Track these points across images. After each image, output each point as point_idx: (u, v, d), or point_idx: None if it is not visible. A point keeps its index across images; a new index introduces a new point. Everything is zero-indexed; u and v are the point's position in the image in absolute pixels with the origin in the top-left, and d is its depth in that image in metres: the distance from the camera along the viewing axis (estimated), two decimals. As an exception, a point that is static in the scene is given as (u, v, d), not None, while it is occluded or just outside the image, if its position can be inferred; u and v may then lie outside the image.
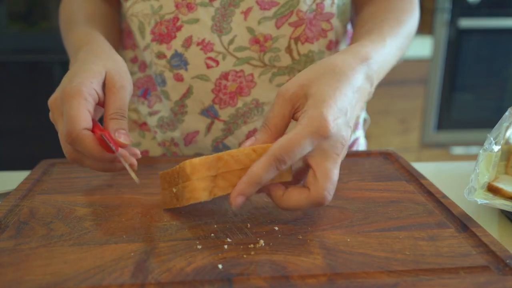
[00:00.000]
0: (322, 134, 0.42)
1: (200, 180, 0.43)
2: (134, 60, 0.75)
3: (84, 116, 0.47)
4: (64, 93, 0.48)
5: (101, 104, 0.52)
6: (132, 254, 0.41)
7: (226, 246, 0.42)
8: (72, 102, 0.47)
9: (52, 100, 0.51)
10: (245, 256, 0.41)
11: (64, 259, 0.40)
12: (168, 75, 0.67)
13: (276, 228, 0.45)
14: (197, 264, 0.39)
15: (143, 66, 0.73)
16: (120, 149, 0.49)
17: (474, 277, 0.38)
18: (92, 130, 0.48)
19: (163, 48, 0.66)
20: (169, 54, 0.66)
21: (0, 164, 1.91)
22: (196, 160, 0.43)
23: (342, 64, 0.47)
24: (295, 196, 0.44)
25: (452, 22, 2.08)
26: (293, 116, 0.46)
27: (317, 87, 0.45)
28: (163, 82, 0.68)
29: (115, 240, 0.43)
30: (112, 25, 0.72)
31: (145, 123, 0.75)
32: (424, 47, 2.08)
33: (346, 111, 0.45)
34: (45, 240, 0.43)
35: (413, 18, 0.65)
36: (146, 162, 0.64)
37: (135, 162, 0.51)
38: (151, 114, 0.74)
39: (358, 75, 0.48)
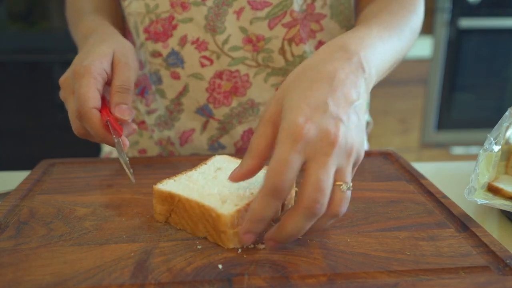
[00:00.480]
0: (299, 140, 0.38)
1: (157, 204, 0.47)
2: None
3: (93, 94, 0.51)
4: (75, 72, 0.52)
5: (109, 83, 0.56)
6: (132, 254, 0.41)
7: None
8: (82, 81, 0.51)
9: (63, 79, 0.55)
10: (245, 256, 0.41)
11: (64, 259, 0.40)
12: (164, 73, 0.67)
13: (276, 228, 0.45)
14: (197, 264, 0.39)
15: (140, 64, 0.74)
16: (122, 141, 0.53)
17: (474, 277, 0.38)
18: (101, 111, 0.52)
19: (158, 46, 0.66)
20: (165, 52, 0.66)
21: (0, 164, 1.91)
22: (157, 186, 0.46)
23: (313, 61, 0.45)
24: (288, 220, 0.39)
25: (452, 22, 2.08)
26: None
27: (288, 97, 0.42)
28: (159, 80, 0.69)
29: (115, 240, 0.43)
30: (117, 17, 0.73)
31: (143, 122, 0.76)
32: (424, 47, 2.08)
33: (324, 105, 0.40)
34: (45, 240, 0.43)
35: (413, 13, 0.62)
36: (146, 162, 0.64)
37: (135, 127, 0.57)
38: (149, 112, 0.74)
39: (334, 64, 0.44)
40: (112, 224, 0.46)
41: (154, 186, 0.47)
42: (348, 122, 0.41)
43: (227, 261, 0.40)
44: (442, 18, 2.07)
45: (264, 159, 0.42)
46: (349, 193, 0.40)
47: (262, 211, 0.39)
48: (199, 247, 0.42)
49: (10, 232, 0.45)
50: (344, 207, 0.40)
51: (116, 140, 0.52)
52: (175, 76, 0.67)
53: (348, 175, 0.40)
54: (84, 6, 0.71)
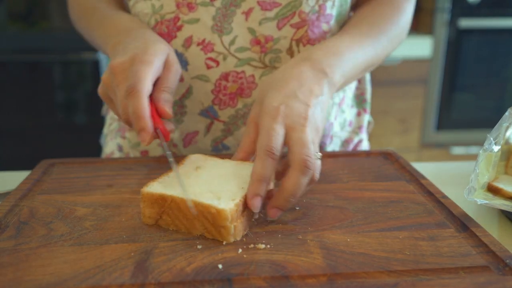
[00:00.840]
0: (276, 116, 0.48)
1: (146, 208, 0.46)
2: None
3: (149, 81, 0.52)
4: (135, 58, 0.53)
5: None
6: (132, 254, 0.41)
7: (226, 246, 0.42)
8: (142, 67, 0.52)
9: (119, 63, 0.54)
10: (245, 256, 0.41)
11: (64, 259, 0.40)
12: None
13: (276, 228, 0.45)
14: (197, 264, 0.39)
15: None
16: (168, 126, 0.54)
17: (474, 277, 0.38)
18: (152, 117, 0.52)
19: None
20: None
21: (0, 164, 1.91)
22: (145, 190, 0.46)
23: (281, 69, 0.56)
24: (287, 180, 0.46)
25: (452, 22, 2.08)
26: None
27: (265, 95, 0.51)
28: None
29: (115, 240, 0.43)
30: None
31: None
32: (424, 47, 2.08)
33: (294, 94, 0.51)
34: (45, 240, 0.43)
35: (394, 24, 0.68)
36: (146, 162, 0.64)
37: (173, 127, 0.56)
38: None
39: (299, 68, 0.55)
40: (112, 224, 0.46)
41: (141, 190, 0.46)
42: (314, 108, 0.50)
43: (227, 261, 0.40)
44: (442, 18, 2.07)
45: (249, 153, 0.51)
46: (320, 161, 0.49)
47: (262, 170, 0.46)
48: (199, 247, 0.42)
49: (10, 232, 0.45)
50: (319, 172, 0.49)
51: (174, 169, 0.50)
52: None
53: (318, 148, 0.50)
54: (98, 4, 0.70)
